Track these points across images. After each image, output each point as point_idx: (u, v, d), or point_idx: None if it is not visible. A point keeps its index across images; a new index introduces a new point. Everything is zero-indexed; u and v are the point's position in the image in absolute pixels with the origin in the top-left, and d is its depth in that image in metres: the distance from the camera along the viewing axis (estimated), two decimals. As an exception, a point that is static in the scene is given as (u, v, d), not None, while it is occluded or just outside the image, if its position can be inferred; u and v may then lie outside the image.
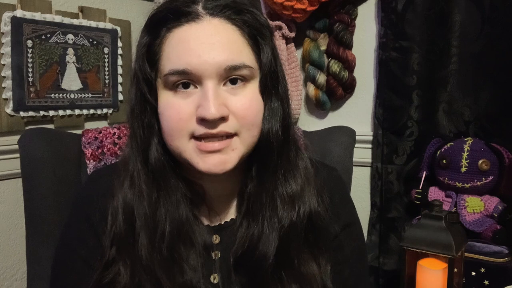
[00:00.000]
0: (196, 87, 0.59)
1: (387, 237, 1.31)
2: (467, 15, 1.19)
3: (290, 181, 0.65)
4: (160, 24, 0.61)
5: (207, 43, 0.58)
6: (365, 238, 1.32)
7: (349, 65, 1.35)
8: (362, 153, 1.35)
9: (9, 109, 1.10)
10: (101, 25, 1.30)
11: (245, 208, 0.67)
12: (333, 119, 1.44)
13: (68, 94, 1.23)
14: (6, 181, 1.13)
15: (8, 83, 1.09)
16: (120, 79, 1.38)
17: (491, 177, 1.12)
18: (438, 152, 1.19)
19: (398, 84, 1.27)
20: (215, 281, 0.67)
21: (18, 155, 0.96)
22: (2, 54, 1.08)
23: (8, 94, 1.09)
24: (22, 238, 1.04)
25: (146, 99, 0.62)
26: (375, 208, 1.34)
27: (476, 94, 1.21)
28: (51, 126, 1.20)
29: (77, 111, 1.26)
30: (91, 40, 1.27)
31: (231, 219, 0.70)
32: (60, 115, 1.21)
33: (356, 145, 1.18)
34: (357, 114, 1.41)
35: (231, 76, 0.59)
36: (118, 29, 1.35)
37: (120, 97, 1.38)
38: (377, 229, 1.33)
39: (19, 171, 0.96)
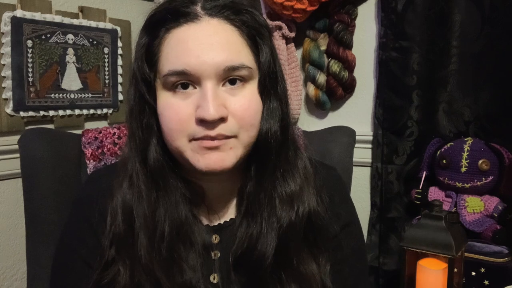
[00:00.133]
0: (195, 88, 0.59)
1: (387, 237, 1.31)
2: (467, 15, 1.19)
3: (288, 181, 0.65)
4: (159, 25, 0.61)
5: (206, 43, 0.58)
6: (365, 238, 1.32)
7: (349, 65, 1.35)
8: (362, 153, 1.35)
9: (9, 109, 1.10)
10: (101, 25, 1.30)
11: (244, 208, 0.67)
12: (333, 119, 1.44)
13: (68, 94, 1.23)
14: (6, 181, 1.13)
15: (8, 83, 1.09)
16: (120, 79, 1.38)
17: (491, 177, 1.12)
18: (438, 152, 1.19)
19: (398, 84, 1.27)
20: (215, 281, 0.67)
21: (18, 155, 0.96)
22: (2, 54, 1.08)
23: (8, 94, 1.09)
24: (22, 238, 1.04)
25: (145, 99, 0.62)
26: (375, 208, 1.34)
27: (476, 94, 1.20)
28: (51, 126, 1.20)
29: (77, 111, 1.26)
30: (91, 40, 1.27)
31: (231, 219, 0.70)
32: (60, 115, 1.21)
33: (356, 145, 1.19)
34: (357, 114, 1.40)
35: (230, 77, 0.59)
36: (118, 29, 1.35)
37: (120, 97, 1.38)
38: (377, 229, 1.33)
39: (19, 171, 0.96)
